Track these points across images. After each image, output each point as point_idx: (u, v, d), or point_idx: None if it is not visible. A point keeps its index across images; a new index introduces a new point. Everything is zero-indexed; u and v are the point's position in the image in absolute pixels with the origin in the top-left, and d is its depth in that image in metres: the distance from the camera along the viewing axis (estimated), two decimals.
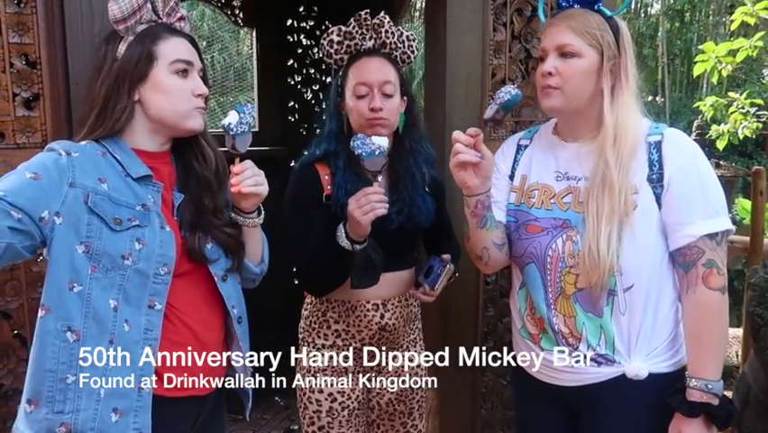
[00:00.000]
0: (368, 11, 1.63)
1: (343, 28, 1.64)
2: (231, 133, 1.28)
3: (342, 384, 1.68)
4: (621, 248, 1.31)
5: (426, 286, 1.64)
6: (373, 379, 1.74)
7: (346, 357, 1.68)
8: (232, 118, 1.28)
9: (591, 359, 1.37)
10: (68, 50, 1.56)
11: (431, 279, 1.63)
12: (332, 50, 1.65)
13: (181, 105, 1.28)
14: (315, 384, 1.68)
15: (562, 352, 1.40)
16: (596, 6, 1.39)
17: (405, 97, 1.67)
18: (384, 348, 1.69)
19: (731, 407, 1.33)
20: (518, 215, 1.47)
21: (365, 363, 1.69)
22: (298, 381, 1.70)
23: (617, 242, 1.31)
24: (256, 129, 1.33)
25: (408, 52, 1.67)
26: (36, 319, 1.57)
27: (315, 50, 4.45)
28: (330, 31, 1.65)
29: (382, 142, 1.44)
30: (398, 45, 1.64)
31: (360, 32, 1.63)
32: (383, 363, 1.71)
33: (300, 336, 1.78)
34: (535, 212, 1.44)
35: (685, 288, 1.34)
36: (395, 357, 1.71)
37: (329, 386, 1.67)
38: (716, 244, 1.31)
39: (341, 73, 1.67)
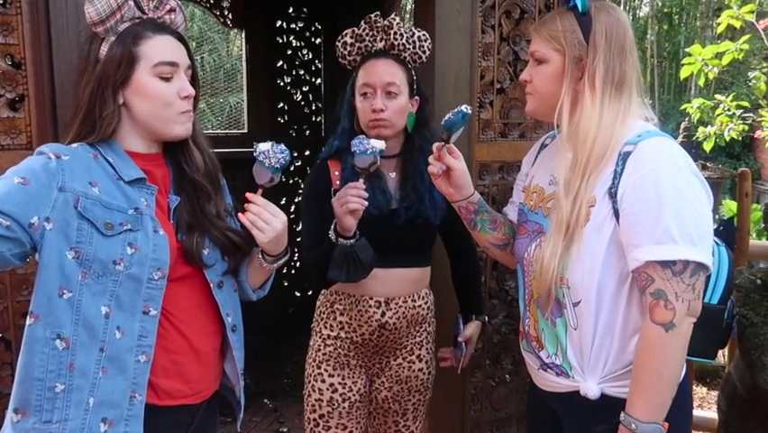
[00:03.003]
0: (378, 13, 1.65)
1: (356, 30, 1.67)
2: (255, 153, 1.28)
3: (344, 376, 1.70)
4: (569, 262, 1.25)
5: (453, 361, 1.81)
6: (374, 376, 1.76)
7: (349, 349, 1.70)
8: (262, 144, 1.28)
9: (550, 367, 1.37)
10: (54, 50, 1.54)
11: (456, 355, 1.80)
12: (345, 52, 1.70)
13: (166, 111, 1.23)
14: (319, 374, 1.72)
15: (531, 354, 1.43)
16: (569, 4, 1.32)
17: (416, 97, 1.69)
18: (378, 348, 1.70)
19: None
20: (520, 215, 1.49)
21: (366, 359, 1.72)
22: (306, 367, 1.77)
23: (564, 254, 1.24)
24: (281, 163, 1.30)
25: (420, 52, 1.68)
26: (20, 322, 1.57)
27: (305, 51, 4.45)
28: (344, 33, 1.69)
29: (378, 144, 1.47)
30: (407, 46, 1.66)
31: (370, 33, 1.66)
32: (384, 363, 1.74)
33: (312, 325, 1.81)
34: (530, 214, 1.44)
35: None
36: (395, 357, 1.73)
37: (330, 377, 1.70)
38: (671, 274, 1.16)
39: (354, 73, 1.70)
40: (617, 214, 1.22)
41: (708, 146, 4.46)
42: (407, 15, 10.63)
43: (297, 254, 3.77)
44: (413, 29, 1.68)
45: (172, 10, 1.29)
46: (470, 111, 1.37)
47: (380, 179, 1.65)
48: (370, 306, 1.66)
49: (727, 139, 4.28)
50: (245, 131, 4.46)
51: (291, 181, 4.24)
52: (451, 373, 1.85)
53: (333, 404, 1.70)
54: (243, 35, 4.37)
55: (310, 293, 4.16)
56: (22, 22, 1.52)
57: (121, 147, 1.25)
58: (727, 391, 1.93)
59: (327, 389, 1.70)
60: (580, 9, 1.29)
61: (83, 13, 1.23)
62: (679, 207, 1.16)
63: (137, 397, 1.18)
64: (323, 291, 1.79)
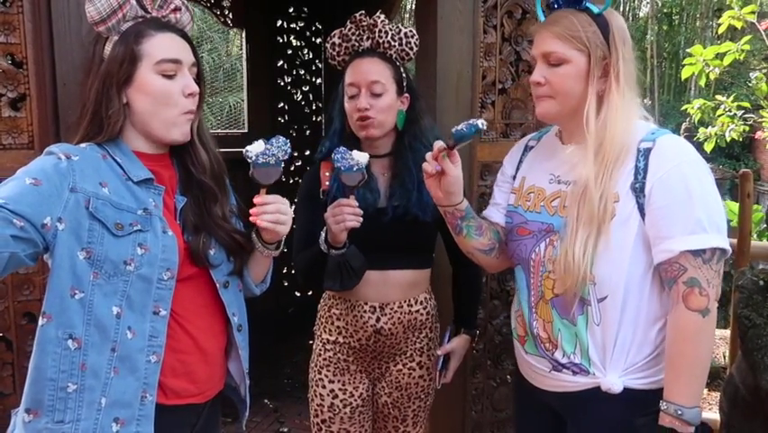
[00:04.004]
0: (363, 12, 1.64)
1: (343, 30, 1.66)
2: (250, 161, 1.24)
3: (344, 382, 1.69)
4: (596, 257, 1.27)
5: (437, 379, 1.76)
6: (376, 380, 1.74)
7: (348, 354, 1.69)
8: (255, 147, 1.24)
9: (566, 366, 1.36)
10: (55, 50, 1.54)
11: (436, 368, 1.74)
12: (334, 53, 1.69)
13: (168, 110, 1.23)
14: (320, 379, 1.71)
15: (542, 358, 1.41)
16: (582, 5, 1.33)
17: (406, 95, 1.67)
18: (375, 353, 1.69)
19: None
20: (514, 216, 1.47)
21: (365, 364, 1.71)
22: (310, 371, 1.75)
23: (593, 249, 1.26)
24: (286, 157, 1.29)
25: (407, 49, 1.66)
26: (21, 322, 1.57)
27: (305, 50, 4.46)
28: (332, 33, 1.68)
29: (362, 158, 1.44)
30: (393, 43, 1.64)
31: (356, 33, 1.65)
32: (384, 368, 1.72)
33: (314, 329, 1.80)
34: (528, 215, 1.43)
35: (669, 305, 1.27)
36: (395, 363, 1.71)
37: (330, 383, 1.70)
38: (702, 261, 1.22)
39: (343, 74, 1.69)
40: (640, 208, 1.26)
41: (708, 147, 4.46)
42: (407, 15, 10.64)
43: None
44: (399, 26, 1.66)
45: (177, 9, 1.29)
46: (484, 126, 1.32)
47: (371, 177, 1.63)
48: (365, 311, 1.64)
49: (728, 140, 4.29)
50: (245, 130, 4.46)
51: (291, 181, 4.24)
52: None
53: (335, 410, 1.69)
54: (244, 35, 4.37)
55: (310, 293, 4.16)
56: (23, 21, 1.52)
57: (128, 147, 1.25)
58: (730, 392, 1.93)
59: (328, 394, 1.69)
60: (597, 11, 1.32)
61: (85, 12, 1.22)
62: (705, 198, 1.24)
63: (148, 397, 1.18)
64: (323, 295, 1.77)
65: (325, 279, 1.53)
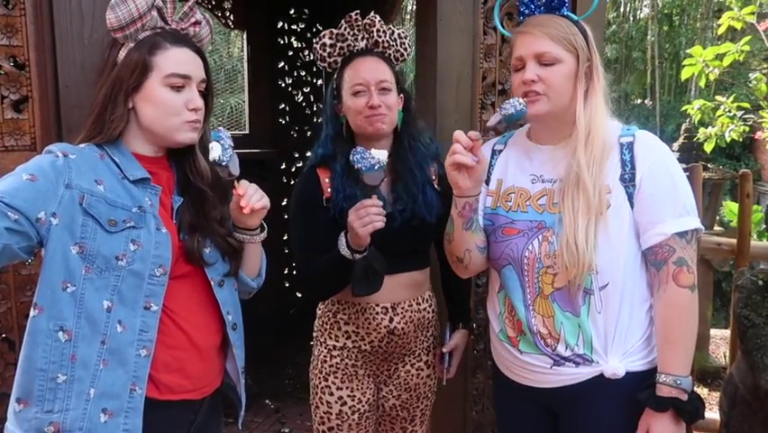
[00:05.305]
0: (358, 12, 1.63)
1: (335, 30, 1.64)
2: (223, 164, 1.28)
3: (352, 388, 1.68)
4: (596, 246, 1.32)
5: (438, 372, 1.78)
6: (382, 384, 1.74)
7: (357, 359, 1.68)
8: (216, 151, 1.28)
9: (569, 359, 1.38)
10: (57, 52, 1.55)
11: (442, 366, 1.77)
12: (325, 54, 1.65)
13: (171, 120, 1.26)
14: (326, 386, 1.69)
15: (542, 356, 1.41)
16: (561, 11, 1.40)
17: (401, 95, 1.67)
18: (386, 354, 1.68)
19: (698, 402, 1.34)
20: (495, 218, 1.48)
21: (374, 367, 1.70)
22: (312, 378, 1.73)
23: (594, 237, 1.32)
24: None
25: (402, 50, 1.67)
26: (24, 323, 1.58)
27: (306, 52, 4.47)
28: (322, 34, 1.65)
29: (381, 155, 1.43)
30: (391, 43, 1.64)
31: (351, 33, 1.63)
32: (392, 370, 1.72)
33: (314, 335, 1.78)
34: (512, 215, 1.45)
35: (656, 286, 1.35)
36: (404, 364, 1.71)
37: (338, 390, 1.68)
38: (686, 242, 1.34)
39: (335, 76, 1.67)
40: (629, 198, 1.35)
41: (708, 147, 4.47)
42: (408, 16, 10.65)
43: None
44: (392, 27, 1.67)
45: (197, 23, 1.32)
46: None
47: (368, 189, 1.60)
48: (377, 312, 1.63)
49: (728, 140, 4.29)
50: (246, 132, 4.47)
51: (293, 182, 4.25)
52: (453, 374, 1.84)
53: (343, 417, 1.68)
54: (245, 36, 4.38)
55: None
56: (26, 23, 1.53)
57: (128, 149, 1.28)
58: (729, 391, 1.93)
59: (336, 402, 1.68)
60: (576, 18, 1.42)
61: (87, 14, 1.25)
62: (684, 185, 1.36)
63: (137, 390, 1.20)
64: (323, 301, 1.75)
65: (354, 285, 1.51)
